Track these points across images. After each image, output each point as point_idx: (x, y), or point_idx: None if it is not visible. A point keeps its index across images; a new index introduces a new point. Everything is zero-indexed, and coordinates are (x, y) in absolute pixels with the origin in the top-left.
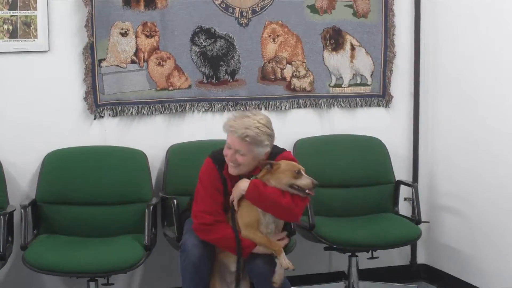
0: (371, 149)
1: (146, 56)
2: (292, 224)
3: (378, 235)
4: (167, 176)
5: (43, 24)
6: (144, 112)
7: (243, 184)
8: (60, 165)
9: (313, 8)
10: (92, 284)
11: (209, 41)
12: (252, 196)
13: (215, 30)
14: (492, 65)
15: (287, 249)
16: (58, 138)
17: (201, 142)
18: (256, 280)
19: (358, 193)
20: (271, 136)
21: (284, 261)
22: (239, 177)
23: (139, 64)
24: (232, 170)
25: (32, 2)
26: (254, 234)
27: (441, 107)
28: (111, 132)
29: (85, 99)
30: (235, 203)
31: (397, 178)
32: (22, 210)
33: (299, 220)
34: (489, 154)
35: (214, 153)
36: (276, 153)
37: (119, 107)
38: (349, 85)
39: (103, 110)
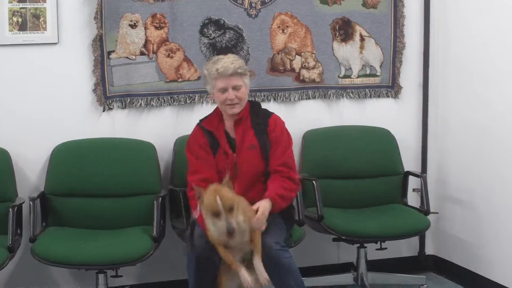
0: (380, 140)
1: (155, 48)
2: (300, 215)
3: (387, 226)
4: (175, 168)
5: (52, 16)
6: (153, 104)
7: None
8: (69, 157)
9: None
10: (100, 276)
11: (218, 32)
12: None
13: (224, 21)
14: (502, 55)
15: (292, 242)
16: (67, 130)
17: None
18: (268, 265)
19: (367, 184)
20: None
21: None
22: (225, 134)
23: (148, 55)
24: (233, 110)
25: None
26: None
27: (451, 98)
28: (120, 124)
29: (94, 91)
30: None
31: (405, 169)
32: (30, 202)
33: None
34: (499, 145)
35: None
36: (267, 113)
37: (128, 99)
38: (358, 76)
39: (112, 102)
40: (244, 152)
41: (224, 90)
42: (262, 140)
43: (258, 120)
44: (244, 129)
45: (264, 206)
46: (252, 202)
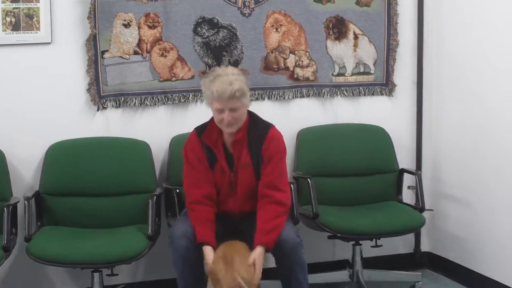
0: (375, 138)
1: (149, 47)
2: (295, 212)
3: (382, 223)
4: (170, 167)
5: (46, 16)
6: (147, 103)
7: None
8: (64, 157)
9: None
10: (96, 275)
11: (212, 31)
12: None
13: (217, 20)
14: (496, 52)
15: None
16: (61, 130)
17: None
18: (282, 256)
19: (362, 182)
20: (246, 82)
21: None
22: (223, 150)
23: (142, 55)
24: (230, 130)
25: None
26: None
27: (445, 95)
28: (115, 123)
29: (88, 90)
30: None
31: (400, 167)
32: (25, 201)
33: None
34: (493, 142)
35: (198, 126)
36: (266, 126)
37: (122, 98)
38: (352, 74)
39: (106, 101)
40: (239, 170)
41: (220, 111)
42: (255, 158)
43: (255, 132)
44: (241, 146)
45: (259, 257)
46: (249, 213)
